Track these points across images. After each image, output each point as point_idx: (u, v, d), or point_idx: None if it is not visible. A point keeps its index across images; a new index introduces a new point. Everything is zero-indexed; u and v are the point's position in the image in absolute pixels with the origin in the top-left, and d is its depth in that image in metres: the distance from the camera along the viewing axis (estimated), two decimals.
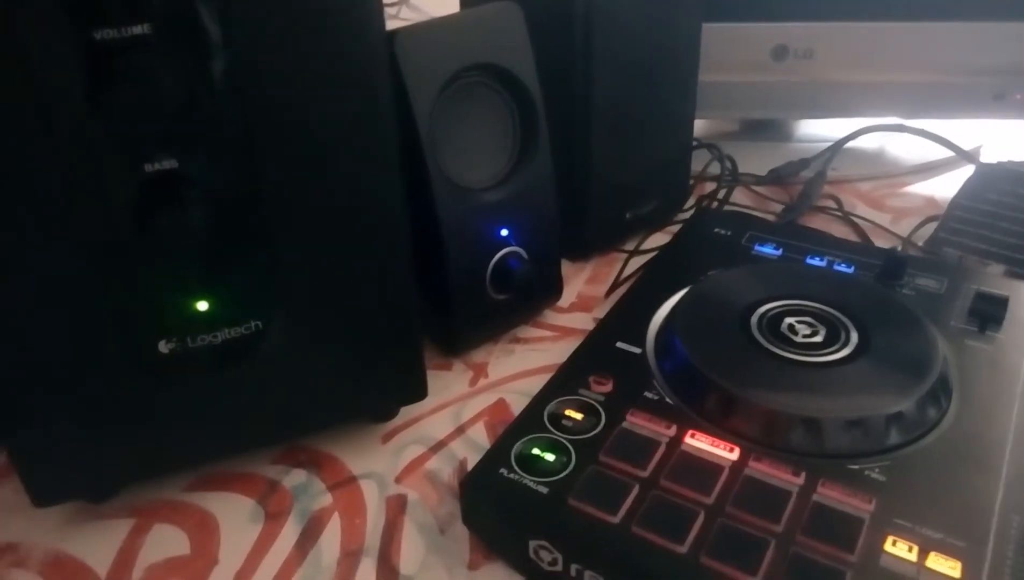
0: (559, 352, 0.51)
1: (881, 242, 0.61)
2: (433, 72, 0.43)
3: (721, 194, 0.66)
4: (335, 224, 0.37)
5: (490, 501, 0.37)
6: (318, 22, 0.32)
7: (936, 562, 0.33)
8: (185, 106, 0.31)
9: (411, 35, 0.42)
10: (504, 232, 0.49)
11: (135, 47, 0.29)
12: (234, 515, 0.41)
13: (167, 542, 0.40)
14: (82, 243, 0.32)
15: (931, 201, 0.69)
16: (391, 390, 0.43)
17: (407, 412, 0.46)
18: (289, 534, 0.40)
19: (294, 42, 0.32)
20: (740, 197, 0.69)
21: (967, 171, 0.70)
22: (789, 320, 0.44)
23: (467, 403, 0.48)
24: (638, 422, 0.39)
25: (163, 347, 0.36)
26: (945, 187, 0.70)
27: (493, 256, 0.49)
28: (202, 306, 0.35)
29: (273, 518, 0.41)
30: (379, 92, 0.35)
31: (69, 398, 0.35)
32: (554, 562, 0.35)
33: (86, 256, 0.33)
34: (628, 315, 0.48)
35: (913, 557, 0.33)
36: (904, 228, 0.63)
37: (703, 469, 0.37)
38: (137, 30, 0.29)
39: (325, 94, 0.34)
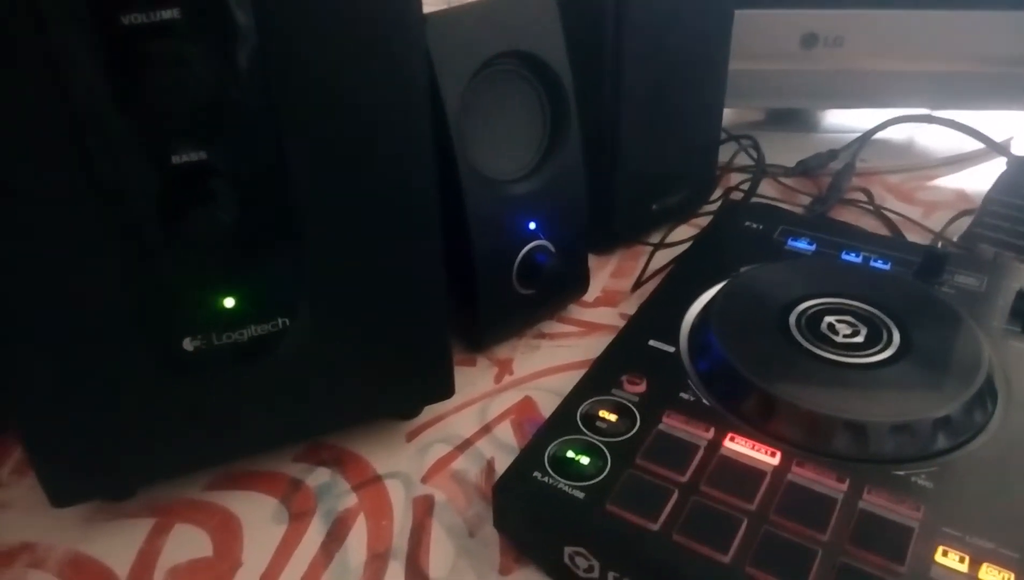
0: (585, 348, 0.50)
1: (912, 236, 0.59)
2: (464, 59, 0.42)
3: (750, 186, 0.65)
4: (366, 218, 0.35)
5: (524, 505, 0.36)
6: (353, 4, 0.31)
7: (989, 573, 0.31)
8: (214, 95, 0.30)
9: (442, 20, 0.41)
10: (532, 225, 0.47)
11: (164, 33, 0.28)
12: (257, 515, 0.40)
13: (189, 543, 0.38)
14: (106, 237, 0.31)
15: (962, 194, 0.67)
16: (418, 388, 0.42)
17: (431, 409, 0.45)
18: (314, 535, 0.39)
19: (328, 27, 0.31)
20: (766, 189, 0.67)
21: (997, 163, 0.68)
22: (829, 319, 0.42)
23: (493, 400, 0.46)
24: (675, 424, 0.38)
25: (188, 345, 0.34)
26: (975, 180, 0.69)
27: (520, 250, 0.47)
28: (229, 303, 0.34)
29: (297, 518, 0.39)
30: (415, 80, 0.33)
31: (90, 395, 0.34)
32: (590, 569, 0.34)
33: (110, 251, 0.31)
34: (660, 312, 0.46)
35: (965, 568, 0.32)
36: (935, 222, 0.62)
37: (744, 474, 0.35)
38: (166, 15, 0.28)
39: (359, 82, 0.32)
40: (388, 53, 0.32)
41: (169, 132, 0.30)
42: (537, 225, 0.47)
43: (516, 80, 0.45)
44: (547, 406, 0.45)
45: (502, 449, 0.43)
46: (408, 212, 0.36)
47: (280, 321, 0.36)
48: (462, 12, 0.42)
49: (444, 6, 0.42)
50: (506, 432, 0.44)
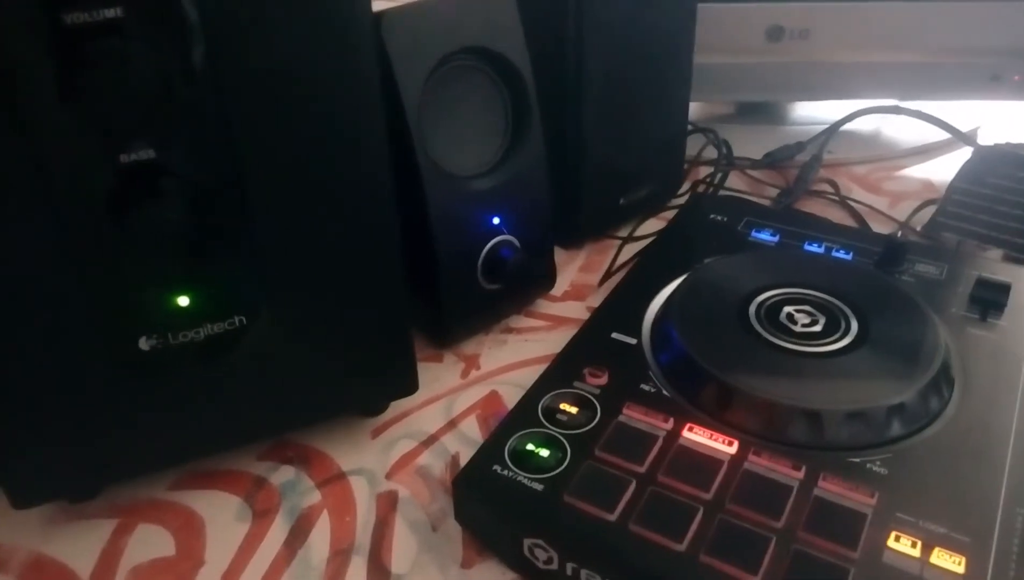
0: (552, 342, 0.50)
1: (878, 226, 0.60)
2: (422, 55, 0.42)
3: (716, 179, 0.65)
4: (321, 214, 0.35)
5: (484, 499, 0.36)
6: (302, 2, 0.31)
7: (940, 557, 0.32)
8: (161, 93, 0.30)
9: (399, 16, 0.41)
10: (496, 220, 0.47)
11: (107, 31, 0.28)
12: (220, 514, 0.40)
13: (152, 543, 0.38)
14: (56, 237, 0.31)
15: (928, 184, 0.68)
16: (381, 384, 0.42)
17: (397, 406, 0.45)
18: (277, 533, 0.39)
19: (277, 24, 0.31)
20: (735, 181, 0.67)
21: (964, 153, 0.69)
22: (788, 309, 0.43)
23: (459, 396, 0.47)
24: (634, 415, 0.38)
25: (144, 344, 0.34)
26: (942, 170, 0.70)
27: (484, 245, 0.47)
28: (183, 301, 0.34)
29: (260, 516, 0.40)
30: (366, 76, 0.33)
31: (47, 396, 0.34)
32: (549, 560, 0.34)
33: (61, 251, 0.31)
34: (623, 305, 0.47)
35: (917, 553, 0.32)
36: (901, 212, 0.62)
37: (701, 464, 0.36)
38: (109, 13, 0.28)
39: (310, 79, 0.32)
40: (338, 49, 0.32)
41: (116, 131, 0.30)
42: (501, 220, 0.48)
43: (476, 75, 0.45)
44: (513, 400, 0.45)
45: (467, 444, 0.43)
46: (365, 208, 0.36)
47: (237, 319, 0.36)
48: (419, 8, 0.42)
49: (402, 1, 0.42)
50: (472, 427, 0.44)
